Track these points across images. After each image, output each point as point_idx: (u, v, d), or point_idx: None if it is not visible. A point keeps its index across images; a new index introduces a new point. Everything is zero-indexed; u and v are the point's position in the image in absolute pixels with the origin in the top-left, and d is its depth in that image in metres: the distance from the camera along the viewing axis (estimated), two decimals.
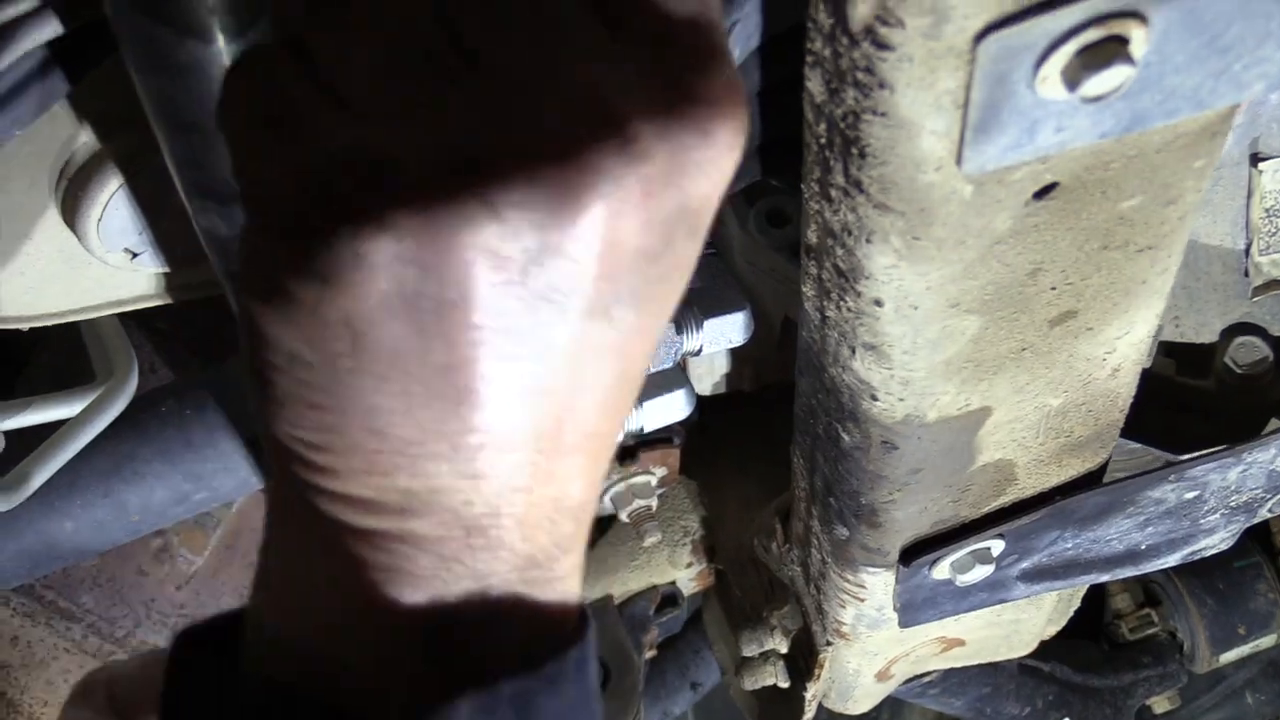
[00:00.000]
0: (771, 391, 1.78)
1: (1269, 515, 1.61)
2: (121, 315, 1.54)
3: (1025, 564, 1.53)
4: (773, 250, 1.41)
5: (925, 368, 1.19)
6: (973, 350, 1.18)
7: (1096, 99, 0.93)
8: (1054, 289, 1.14)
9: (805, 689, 1.82)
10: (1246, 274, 1.48)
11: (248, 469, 1.71)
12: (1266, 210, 1.44)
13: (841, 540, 1.48)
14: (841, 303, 1.15)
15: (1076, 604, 1.98)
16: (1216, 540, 1.63)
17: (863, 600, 1.57)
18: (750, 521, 1.89)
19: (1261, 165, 1.42)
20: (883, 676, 1.86)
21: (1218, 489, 1.51)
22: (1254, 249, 1.46)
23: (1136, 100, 0.95)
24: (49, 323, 1.42)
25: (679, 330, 1.42)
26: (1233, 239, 1.46)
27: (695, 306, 1.43)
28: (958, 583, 1.51)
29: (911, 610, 1.55)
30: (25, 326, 1.42)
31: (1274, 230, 1.45)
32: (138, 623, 1.81)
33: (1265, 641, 2.27)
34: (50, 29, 1.01)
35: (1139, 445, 1.47)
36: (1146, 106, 0.97)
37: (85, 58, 1.08)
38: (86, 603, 1.92)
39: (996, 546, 1.48)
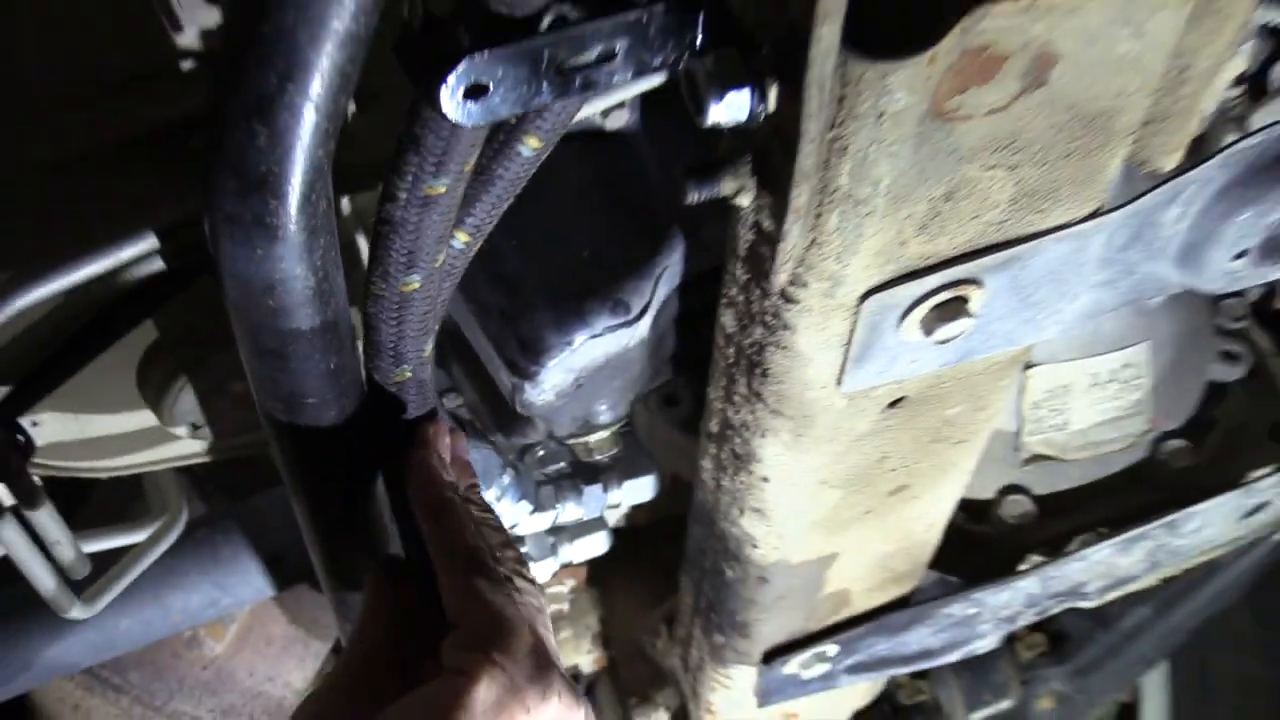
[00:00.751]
0: (657, 525, 1.76)
1: (1024, 624, 1.62)
2: None
3: (850, 661, 1.53)
4: (667, 424, 1.40)
5: (797, 526, 1.19)
6: (832, 513, 1.18)
7: (944, 341, 0.94)
8: (894, 470, 1.15)
9: None
10: (1017, 449, 1.49)
11: (263, 581, 1.68)
12: (1033, 404, 1.45)
13: (718, 645, 1.47)
14: (735, 477, 1.15)
15: (880, 687, 1.98)
16: (986, 643, 1.63)
17: (730, 688, 1.56)
18: (639, 622, 1.87)
19: (1030, 371, 1.43)
20: None
21: (991, 607, 1.52)
22: (1023, 432, 1.47)
23: (969, 340, 0.96)
24: (126, 473, 1.39)
25: (604, 489, 1.42)
26: (1008, 424, 1.47)
27: (617, 471, 1.43)
28: (802, 676, 1.51)
29: (767, 695, 1.54)
30: (106, 475, 1.39)
31: (1038, 419, 1.46)
32: (172, 695, 1.77)
33: (1004, 704, 2.29)
34: (152, 268, 0.99)
35: (940, 575, 1.48)
36: (975, 344, 0.98)
37: (168, 290, 1.06)
38: (133, 679, 1.87)
39: (832, 650, 1.48)
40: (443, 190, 0.82)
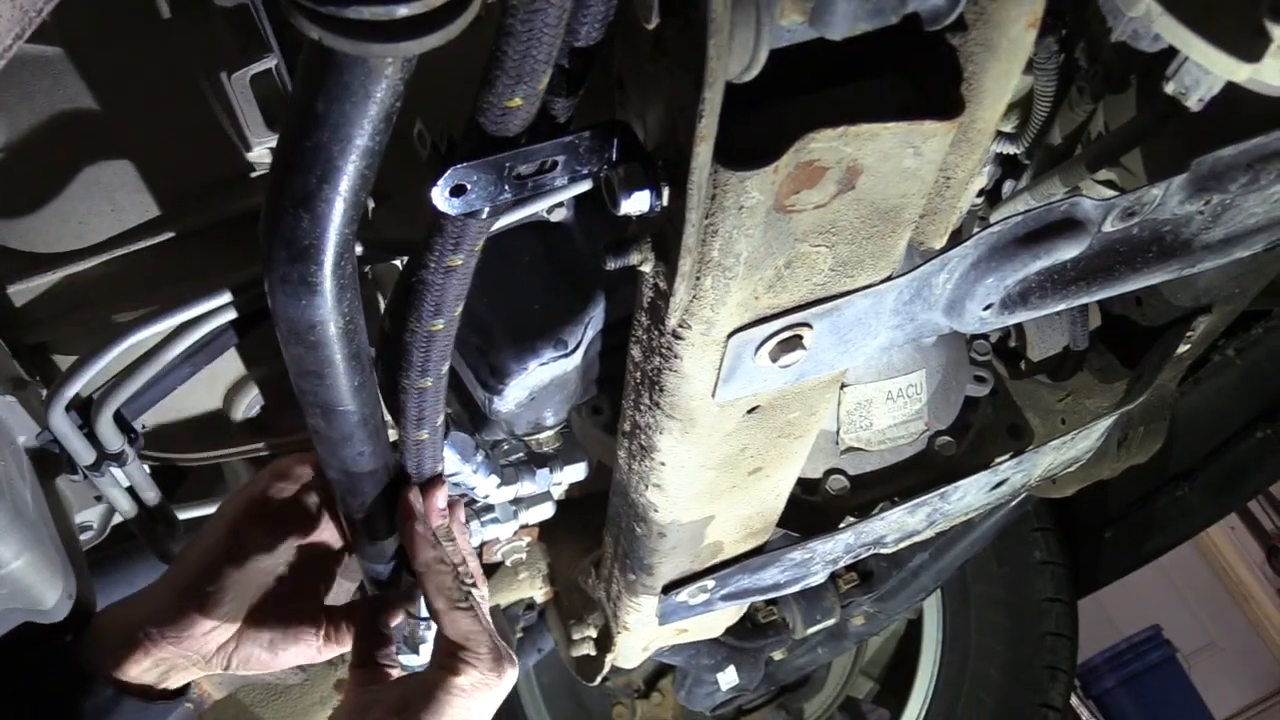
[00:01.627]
0: (588, 497, 1.75)
1: (843, 565, 1.62)
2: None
3: (723, 592, 1.51)
4: (594, 427, 1.38)
5: (685, 496, 1.18)
6: (709, 488, 1.17)
7: (786, 366, 0.93)
8: (752, 457, 1.14)
9: (605, 657, 1.78)
10: (837, 443, 1.49)
11: None
12: (847, 412, 1.46)
13: (630, 581, 1.45)
14: (642, 463, 1.13)
15: (743, 610, 1.97)
16: (817, 578, 1.62)
17: (639, 611, 1.53)
18: (575, 566, 1.85)
19: (844, 390, 1.44)
20: (645, 650, 1.82)
21: (820, 554, 1.51)
22: (840, 431, 1.47)
23: (803, 366, 0.96)
24: (211, 463, 1.36)
25: (551, 471, 1.40)
26: (830, 426, 1.47)
27: (559, 459, 1.41)
28: (690, 602, 1.49)
29: (665, 617, 1.52)
30: (197, 464, 1.36)
31: (851, 422, 1.47)
32: None
33: (830, 621, 2.27)
34: (229, 315, 0.97)
35: (785, 531, 1.47)
36: (808, 368, 0.97)
37: (243, 330, 1.03)
38: None
39: (710, 584, 1.46)
40: (459, 263, 0.81)
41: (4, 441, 1.07)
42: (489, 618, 1.08)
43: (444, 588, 1.05)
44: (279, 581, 1.11)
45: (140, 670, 1.03)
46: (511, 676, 1.05)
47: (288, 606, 1.11)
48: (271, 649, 1.10)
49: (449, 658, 1.03)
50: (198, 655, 1.05)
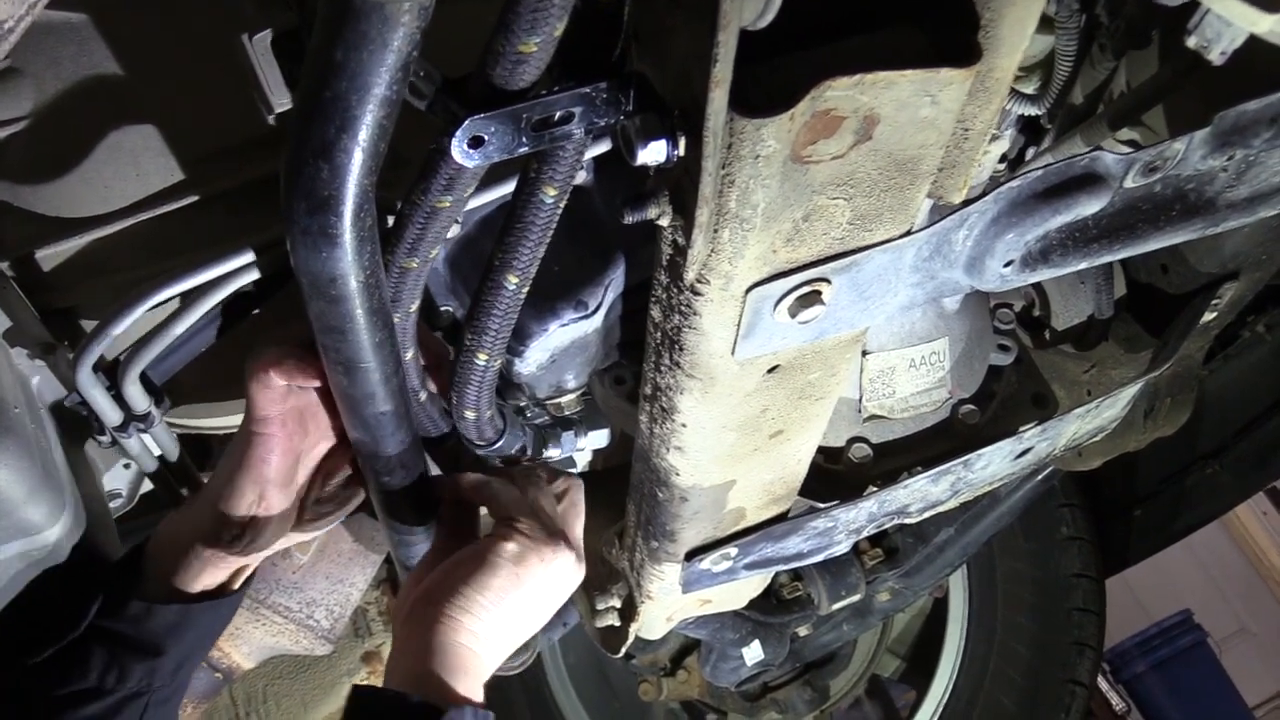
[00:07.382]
0: (611, 469, 1.75)
1: (866, 535, 1.61)
2: None
3: (746, 560, 1.51)
4: (616, 397, 1.39)
5: (706, 459, 1.18)
6: (730, 450, 1.17)
7: (805, 322, 0.93)
8: (773, 419, 1.14)
9: (628, 627, 1.78)
10: (859, 410, 1.49)
11: None
12: (870, 380, 1.45)
13: (653, 548, 1.46)
14: (663, 425, 1.14)
15: (767, 582, 1.97)
16: (840, 548, 1.62)
17: (663, 579, 1.54)
18: (599, 537, 1.86)
19: (867, 357, 1.44)
20: (669, 620, 1.83)
21: (843, 522, 1.51)
22: (863, 399, 1.47)
23: (823, 323, 0.96)
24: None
25: (575, 436, 1.41)
26: (852, 394, 1.47)
27: (584, 424, 1.42)
28: (713, 570, 1.50)
29: (689, 585, 1.53)
30: (222, 432, 1.37)
31: (874, 390, 1.47)
32: (271, 592, 1.73)
33: (855, 598, 2.27)
34: (253, 275, 0.98)
35: (806, 500, 1.47)
36: (827, 326, 0.97)
37: (266, 291, 1.04)
38: None
39: (733, 551, 1.46)
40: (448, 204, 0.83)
41: (32, 405, 1.09)
42: (545, 500, 1.09)
43: (482, 476, 1.09)
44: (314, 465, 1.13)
45: (201, 579, 1.05)
46: (566, 558, 1.05)
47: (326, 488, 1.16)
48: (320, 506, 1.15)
49: (499, 526, 1.04)
50: (252, 554, 1.08)
